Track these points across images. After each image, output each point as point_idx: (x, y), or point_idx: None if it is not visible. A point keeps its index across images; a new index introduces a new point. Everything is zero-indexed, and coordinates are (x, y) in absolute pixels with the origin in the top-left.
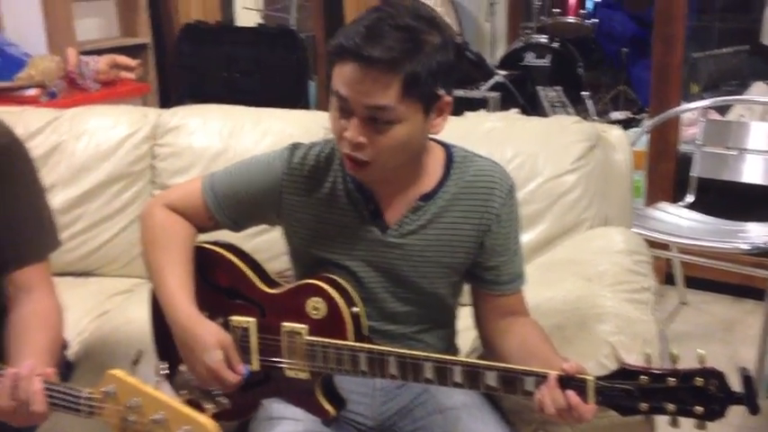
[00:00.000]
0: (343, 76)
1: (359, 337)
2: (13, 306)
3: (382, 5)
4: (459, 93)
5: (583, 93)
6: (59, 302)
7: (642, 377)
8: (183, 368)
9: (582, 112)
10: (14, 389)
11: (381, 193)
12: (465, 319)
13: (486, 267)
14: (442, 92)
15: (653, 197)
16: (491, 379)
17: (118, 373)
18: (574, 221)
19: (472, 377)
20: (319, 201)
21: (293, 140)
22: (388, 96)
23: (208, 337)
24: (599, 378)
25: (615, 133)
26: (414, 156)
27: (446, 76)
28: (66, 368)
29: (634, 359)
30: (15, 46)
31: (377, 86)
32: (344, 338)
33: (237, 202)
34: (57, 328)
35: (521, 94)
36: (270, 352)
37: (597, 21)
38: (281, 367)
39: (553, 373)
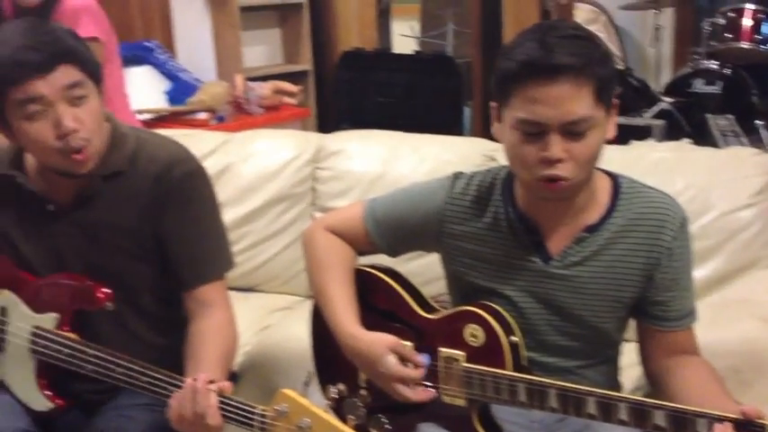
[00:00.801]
0: (532, 97)
1: (517, 367)
2: (192, 320)
3: (543, 23)
4: (622, 120)
5: (757, 122)
6: (234, 318)
7: None
8: (341, 386)
9: (755, 142)
10: (192, 401)
11: (545, 224)
12: (629, 355)
13: (655, 302)
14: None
15: None
16: (660, 418)
17: (290, 392)
18: (750, 259)
19: (639, 415)
20: (481, 230)
21: (451, 167)
22: (584, 105)
23: (375, 346)
24: None
25: None
26: (592, 171)
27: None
28: (231, 378)
29: None
30: (188, 72)
31: (573, 96)
32: (502, 367)
33: (398, 228)
34: (231, 341)
35: (687, 122)
36: (426, 376)
37: None
38: (438, 392)
39: (730, 416)
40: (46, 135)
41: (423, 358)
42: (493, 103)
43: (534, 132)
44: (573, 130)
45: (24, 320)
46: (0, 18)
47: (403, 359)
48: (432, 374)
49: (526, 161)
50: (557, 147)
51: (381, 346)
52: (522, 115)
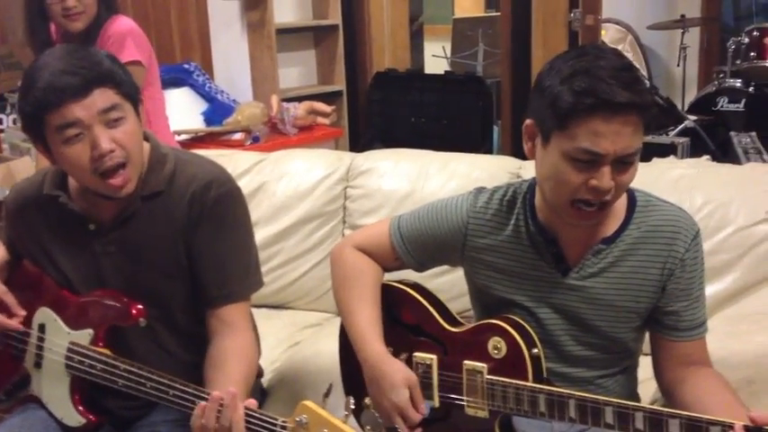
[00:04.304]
0: (597, 131)
1: (538, 378)
2: (214, 339)
3: (587, 49)
4: (647, 138)
5: None
6: (256, 338)
7: None
8: (368, 401)
9: None
10: (218, 414)
11: (564, 236)
12: (646, 369)
13: (666, 312)
14: None
15: None
16: (674, 427)
17: (310, 404)
18: (766, 273)
19: (654, 424)
20: (502, 242)
21: (478, 184)
22: (638, 139)
23: (395, 375)
24: None
25: None
26: None
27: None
28: (260, 395)
29: None
30: (225, 93)
31: (632, 132)
32: (524, 379)
33: (423, 243)
34: (252, 362)
35: (712, 140)
36: (450, 389)
37: None
38: (461, 405)
39: (739, 423)
40: (83, 158)
41: (426, 407)
42: (529, 121)
43: (588, 161)
44: (625, 161)
45: (61, 337)
46: (49, 44)
47: (411, 398)
48: (454, 387)
49: (571, 186)
50: (608, 177)
51: (402, 377)
52: (585, 145)
